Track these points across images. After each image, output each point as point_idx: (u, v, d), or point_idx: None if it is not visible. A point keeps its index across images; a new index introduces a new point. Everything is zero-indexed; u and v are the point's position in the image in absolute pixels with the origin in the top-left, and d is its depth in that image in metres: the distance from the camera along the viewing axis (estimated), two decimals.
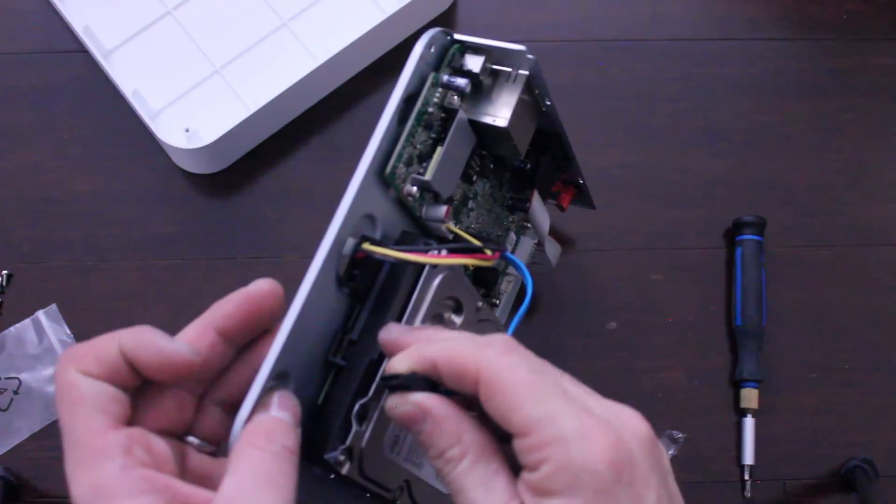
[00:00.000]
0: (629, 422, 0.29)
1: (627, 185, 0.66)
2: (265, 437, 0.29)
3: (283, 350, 0.31)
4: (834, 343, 0.64)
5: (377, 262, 0.36)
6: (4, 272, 0.64)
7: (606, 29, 0.69)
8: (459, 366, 0.29)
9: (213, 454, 0.33)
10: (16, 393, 0.62)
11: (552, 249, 0.58)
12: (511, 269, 0.53)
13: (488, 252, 0.38)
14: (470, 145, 0.42)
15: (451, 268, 0.37)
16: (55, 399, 0.29)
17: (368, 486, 0.35)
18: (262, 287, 0.32)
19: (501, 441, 0.30)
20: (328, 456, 0.33)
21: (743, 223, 0.64)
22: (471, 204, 0.46)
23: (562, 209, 0.55)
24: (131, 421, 0.30)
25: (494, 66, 0.41)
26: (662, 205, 0.66)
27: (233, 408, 0.32)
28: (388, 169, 0.36)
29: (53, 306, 0.63)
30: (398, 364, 0.31)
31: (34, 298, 0.63)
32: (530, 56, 0.40)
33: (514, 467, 0.29)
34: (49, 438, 0.61)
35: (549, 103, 0.43)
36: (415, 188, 0.38)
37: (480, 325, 0.41)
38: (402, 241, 0.38)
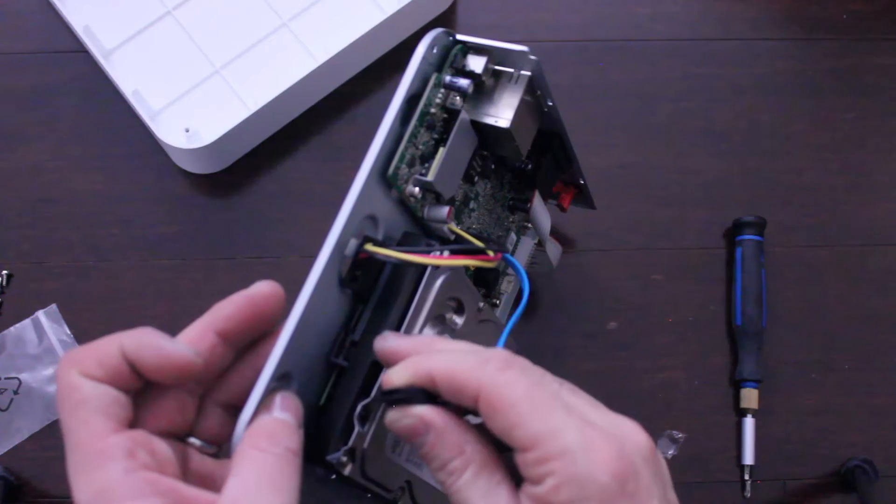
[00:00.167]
0: (630, 433, 0.29)
1: (627, 185, 0.66)
2: (268, 439, 0.29)
3: (285, 351, 0.31)
4: (834, 343, 0.64)
5: (379, 263, 0.36)
6: (4, 272, 0.63)
7: (606, 29, 0.69)
8: (459, 382, 0.29)
9: (215, 455, 0.33)
10: (16, 393, 0.62)
11: (553, 249, 0.58)
12: (512, 269, 0.53)
13: (490, 253, 0.38)
14: (472, 146, 0.42)
15: (452, 269, 0.37)
16: (56, 402, 0.29)
17: (370, 487, 0.36)
18: (263, 289, 0.32)
19: (501, 451, 0.30)
20: (330, 457, 0.33)
21: (743, 223, 0.64)
22: (472, 204, 0.46)
23: (562, 209, 0.55)
24: (133, 423, 0.30)
25: (496, 67, 0.41)
26: (662, 205, 0.66)
27: (234, 409, 0.32)
28: (391, 170, 0.36)
29: (53, 306, 0.63)
30: (396, 378, 0.31)
31: (34, 298, 0.63)
32: (532, 57, 0.40)
33: (515, 478, 0.29)
34: (49, 438, 0.61)
35: (550, 104, 0.43)
36: (417, 189, 0.38)
37: (481, 325, 0.41)
38: (404, 242, 0.38)
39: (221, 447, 0.33)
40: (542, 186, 0.50)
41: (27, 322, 0.63)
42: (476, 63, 0.40)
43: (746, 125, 0.68)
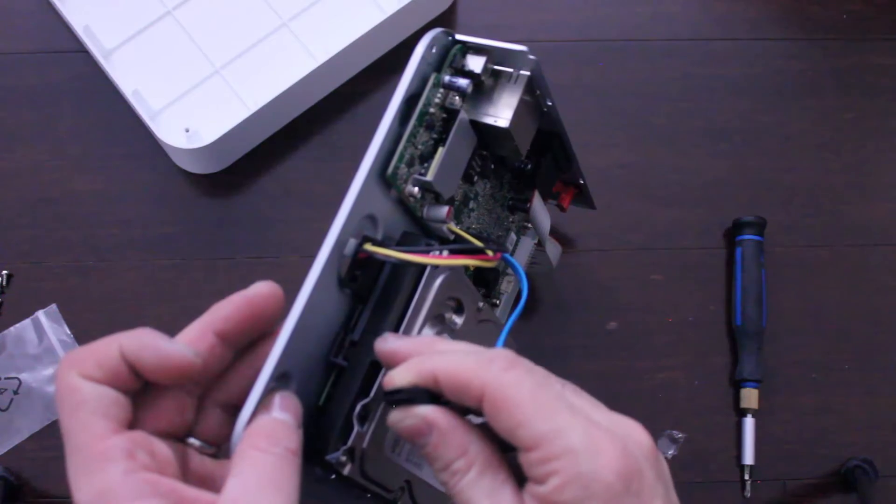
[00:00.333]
0: (633, 433, 0.29)
1: (627, 185, 0.66)
2: (267, 439, 0.29)
3: (284, 351, 0.31)
4: (834, 343, 0.64)
5: (379, 263, 0.36)
6: (4, 272, 0.63)
7: (606, 29, 0.69)
8: (463, 382, 0.29)
9: (214, 456, 0.33)
10: (16, 393, 0.62)
11: (553, 249, 0.58)
12: (511, 269, 0.53)
13: (489, 253, 0.38)
14: (471, 146, 0.42)
15: (452, 268, 0.37)
16: (56, 403, 0.29)
17: (370, 487, 0.36)
18: (262, 290, 0.32)
19: (504, 451, 0.30)
20: (329, 457, 0.33)
21: (743, 223, 0.64)
22: (472, 204, 0.46)
23: (562, 209, 0.55)
24: (132, 424, 0.30)
25: (496, 67, 0.41)
26: (662, 205, 0.66)
27: (233, 409, 0.32)
28: (390, 169, 0.36)
29: (53, 306, 0.63)
30: (399, 378, 0.31)
31: (34, 298, 0.63)
32: (532, 56, 0.40)
33: (518, 478, 0.29)
34: (49, 438, 0.61)
35: (550, 104, 0.43)
36: (416, 189, 0.38)
37: (481, 325, 0.41)
38: (403, 242, 0.38)
39: (220, 447, 0.33)
40: (541, 186, 0.50)
41: (27, 322, 0.63)
42: (475, 63, 0.40)
43: (746, 125, 0.68)
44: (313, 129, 0.67)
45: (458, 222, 0.45)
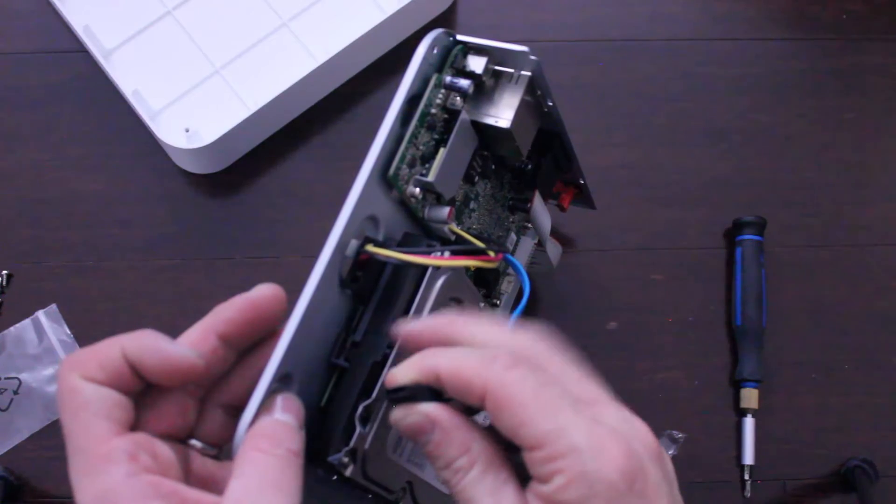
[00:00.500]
0: (638, 432, 0.29)
1: (627, 185, 0.66)
2: (269, 441, 0.29)
3: (286, 352, 0.31)
4: (834, 343, 0.64)
5: (380, 264, 0.36)
6: (4, 272, 0.63)
7: (606, 29, 0.69)
8: (465, 380, 0.29)
9: (216, 457, 0.33)
10: (16, 393, 0.62)
11: (553, 249, 0.58)
12: (511, 269, 0.53)
13: (491, 254, 0.38)
14: (472, 146, 0.42)
15: (453, 269, 0.37)
16: (58, 405, 0.29)
17: (371, 488, 0.36)
18: (265, 292, 0.32)
19: (507, 450, 0.30)
20: (331, 458, 0.33)
21: (743, 223, 0.64)
22: (472, 205, 0.46)
23: (562, 209, 0.55)
24: (134, 426, 0.30)
25: (497, 67, 0.41)
26: (662, 205, 0.66)
27: (235, 410, 0.32)
28: (391, 170, 0.36)
29: (53, 306, 0.63)
30: (401, 376, 0.31)
31: (34, 298, 0.63)
32: (533, 57, 0.40)
33: (521, 478, 0.29)
34: (49, 438, 0.61)
35: (550, 104, 0.43)
36: (417, 189, 0.38)
37: None
38: (404, 243, 0.38)
39: (222, 449, 0.33)
40: (542, 186, 0.50)
41: (27, 322, 0.63)
42: (476, 63, 0.40)
43: (746, 125, 0.68)
44: (313, 129, 0.67)
45: (459, 223, 0.45)
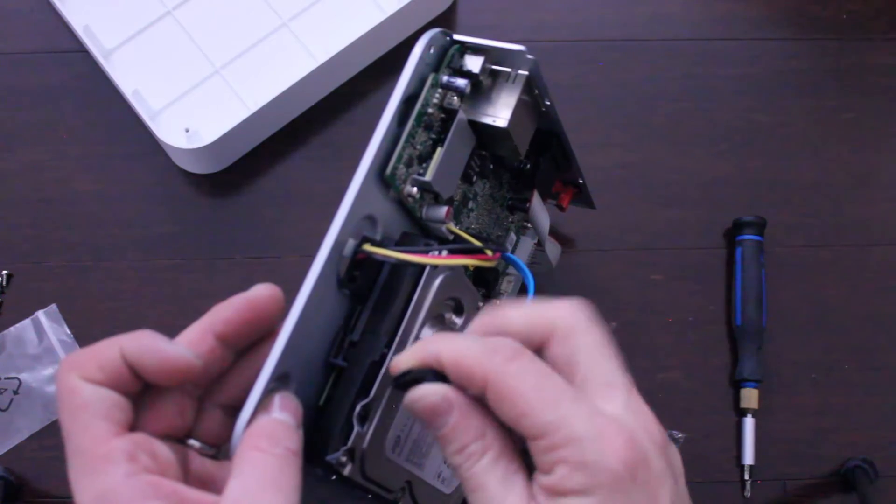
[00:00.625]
0: (644, 422, 0.29)
1: (627, 185, 0.66)
2: (268, 440, 0.29)
3: (284, 352, 0.31)
4: (834, 343, 0.64)
5: (378, 264, 0.36)
6: (4, 272, 0.64)
7: (606, 29, 0.69)
8: (467, 370, 0.29)
9: (214, 457, 0.33)
10: (16, 393, 0.62)
11: (552, 249, 0.58)
12: (511, 269, 0.53)
13: (489, 252, 0.38)
14: (470, 146, 0.42)
15: (451, 268, 0.37)
16: (57, 405, 0.29)
17: (370, 488, 0.36)
18: (263, 292, 0.32)
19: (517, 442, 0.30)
20: (330, 457, 0.33)
21: (743, 223, 0.64)
22: (471, 204, 0.46)
23: (561, 209, 0.55)
24: (133, 426, 0.30)
25: (494, 67, 0.41)
26: (662, 205, 0.66)
27: (233, 410, 0.32)
28: (389, 170, 0.36)
29: (53, 306, 0.63)
30: (404, 360, 0.31)
31: (34, 298, 0.63)
32: (530, 56, 0.40)
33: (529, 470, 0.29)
34: (49, 438, 0.61)
35: (548, 103, 0.43)
36: (415, 189, 0.38)
37: None
38: (402, 242, 0.38)
39: (220, 449, 0.33)
40: (540, 186, 0.50)
41: (27, 322, 0.63)
42: (473, 63, 0.40)
43: (746, 125, 0.68)
44: (313, 129, 0.67)
45: (458, 222, 0.45)
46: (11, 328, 0.63)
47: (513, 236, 0.52)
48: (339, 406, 0.34)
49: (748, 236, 0.64)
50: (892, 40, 0.69)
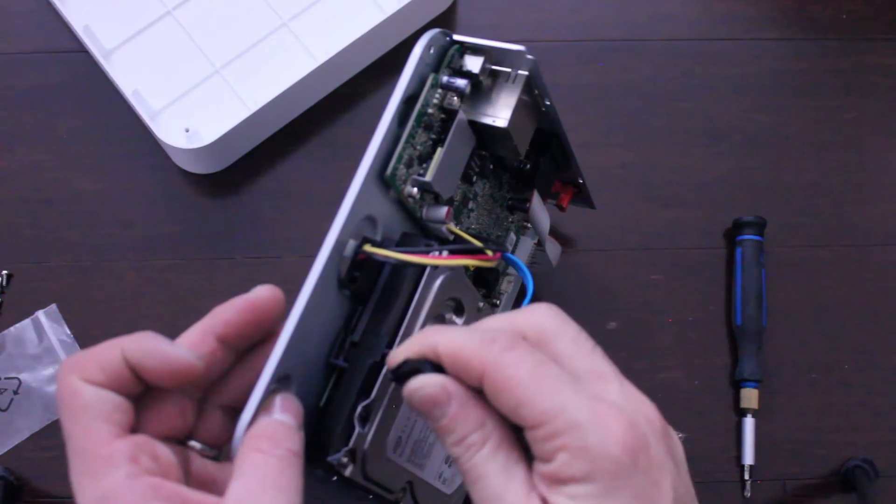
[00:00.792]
0: (643, 409, 0.29)
1: (627, 185, 0.66)
2: (269, 441, 0.29)
3: (284, 353, 0.31)
4: (834, 343, 0.64)
5: (378, 264, 0.36)
6: (4, 272, 0.63)
7: (606, 29, 0.69)
8: (464, 361, 0.29)
9: (215, 458, 0.33)
10: (16, 393, 0.62)
11: (552, 249, 0.58)
12: (511, 269, 0.53)
13: (489, 253, 0.38)
14: (470, 146, 0.42)
15: (452, 269, 0.37)
16: (58, 407, 0.29)
17: (371, 488, 0.36)
18: (264, 294, 0.32)
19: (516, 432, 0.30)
20: (331, 458, 0.33)
21: (743, 223, 0.64)
22: (471, 204, 0.46)
23: (561, 209, 0.55)
24: (134, 428, 0.30)
25: (494, 67, 0.41)
26: (662, 205, 0.66)
27: (234, 411, 0.32)
28: (389, 170, 0.36)
29: (53, 306, 0.63)
30: (402, 352, 0.31)
31: (34, 298, 0.63)
32: (530, 56, 0.40)
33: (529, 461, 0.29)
34: (49, 438, 0.61)
35: (548, 103, 0.43)
36: (415, 189, 0.38)
37: None
38: (402, 243, 0.38)
39: (221, 450, 0.33)
40: (540, 186, 0.50)
41: (27, 322, 0.63)
42: (473, 63, 0.40)
43: (746, 125, 0.68)
44: (313, 129, 0.67)
45: (458, 223, 0.45)
46: (11, 328, 0.63)
47: (513, 236, 0.52)
48: (340, 407, 0.34)
49: (748, 236, 0.64)
50: (892, 40, 0.69)
